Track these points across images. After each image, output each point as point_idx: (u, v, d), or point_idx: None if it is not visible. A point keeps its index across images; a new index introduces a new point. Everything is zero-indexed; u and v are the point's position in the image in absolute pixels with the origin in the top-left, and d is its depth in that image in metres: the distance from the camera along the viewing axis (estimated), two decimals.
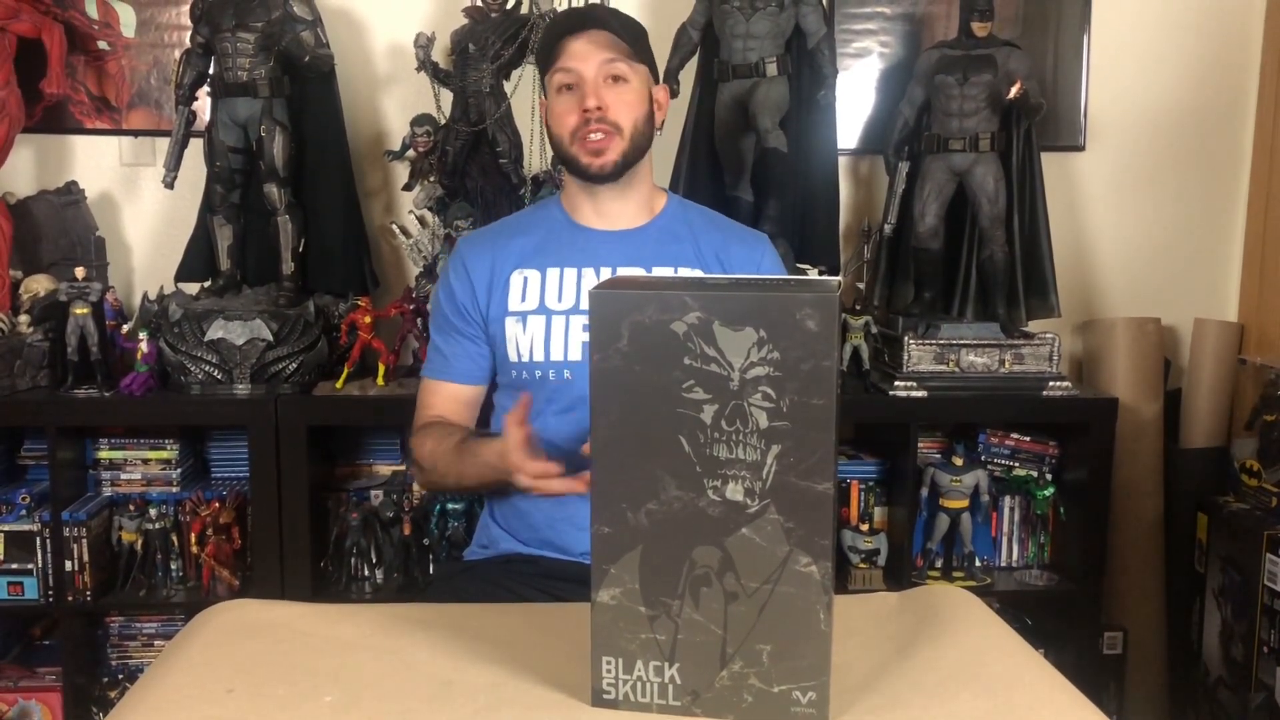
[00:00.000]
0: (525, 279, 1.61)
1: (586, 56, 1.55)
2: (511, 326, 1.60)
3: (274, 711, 1.00)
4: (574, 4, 2.26)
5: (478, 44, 2.23)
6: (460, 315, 1.64)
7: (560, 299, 1.59)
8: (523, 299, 1.60)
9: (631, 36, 1.57)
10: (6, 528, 2.18)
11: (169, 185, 2.28)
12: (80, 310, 2.15)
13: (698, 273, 1.60)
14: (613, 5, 2.22)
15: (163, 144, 2.33)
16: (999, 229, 2.26)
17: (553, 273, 1.61)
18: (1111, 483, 2.31)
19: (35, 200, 2.41)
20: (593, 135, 1.54)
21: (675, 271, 1.60)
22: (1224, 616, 2.34)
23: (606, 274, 1.59)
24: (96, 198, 2.48)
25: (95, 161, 2.50)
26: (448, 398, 1.65)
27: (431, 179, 2.29)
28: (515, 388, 1.61)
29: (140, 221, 2.52)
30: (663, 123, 1.67)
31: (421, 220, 2.35)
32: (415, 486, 2.29)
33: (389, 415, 2.17)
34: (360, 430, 2.38)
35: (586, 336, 1.53)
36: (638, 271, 1.59)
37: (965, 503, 2.30)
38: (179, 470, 2.27)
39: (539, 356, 1.58)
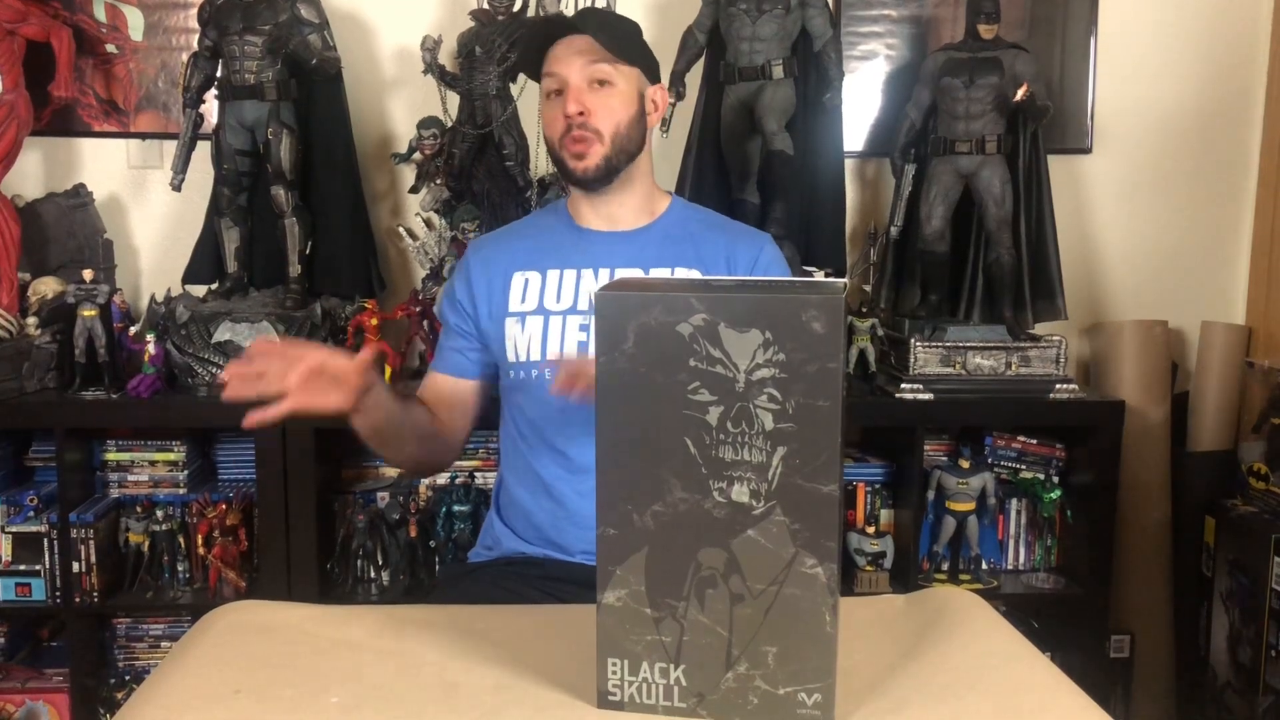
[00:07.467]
0: (526, 280, 1.63)
1: (568, 62, 1.56)
2: (511, 327, 1.61)
3: (280, 713, 1.00)
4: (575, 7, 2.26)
5: (484, 47, 2.23)
6: (456, 312, 1.68)
7: (559, 299, 1.61)
8: (523, 300, 1.62)
9: (617, 38, 1.56)
10: (14, 529, 2.19)
11: (176, 188, 2.29)
12: (88, 312, 2.15)
13: (695, 273, 1.60)
14: (617, 7, 2.23)
15: (170, 147, 2.34)
16: (1005, 232, 2.25)
17: (552, 274, 1.63)
18: (1119, 486, 2.31)
19: (43, 203, 2.42)
20: (573, 141, 1.56)
21: (673, 273, 1.60)
22: (1232, 620, 2.33)
23: (605, 274, 1.60)
24: (104, 200, 2.49)
25: (103, 164, 2.51)
26: (432, 386, 1.69)
27: (438, 181, 2.30)
28: (516, 389, 1.63)
29: (148, 224, 2.53)
30: (666, 124, 1.66)
31: (428, 223, 2.35)
32: (421, 489, 2.30)
33: None
34: None
35: (584, 336, 1.56)
36: (636, 272, 1.60)
37: (972, 505, 2.29)
38: (186, 472, 2.28)
39: (535, 356, 1.59)
